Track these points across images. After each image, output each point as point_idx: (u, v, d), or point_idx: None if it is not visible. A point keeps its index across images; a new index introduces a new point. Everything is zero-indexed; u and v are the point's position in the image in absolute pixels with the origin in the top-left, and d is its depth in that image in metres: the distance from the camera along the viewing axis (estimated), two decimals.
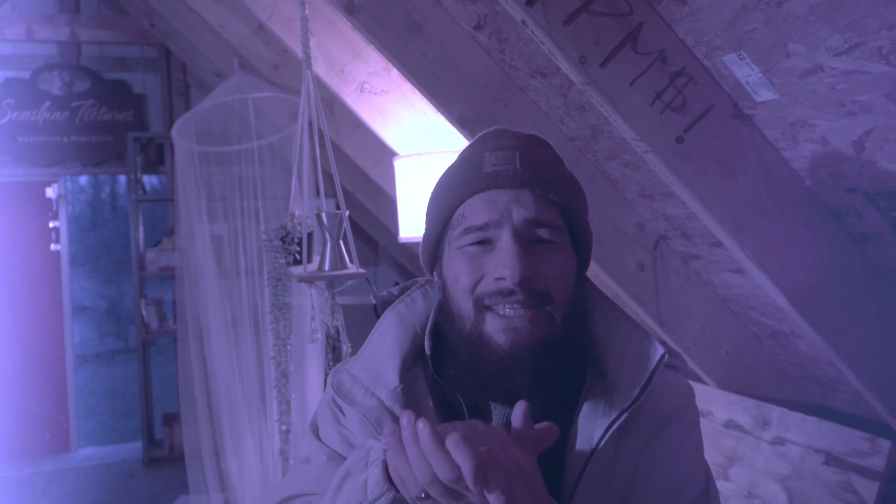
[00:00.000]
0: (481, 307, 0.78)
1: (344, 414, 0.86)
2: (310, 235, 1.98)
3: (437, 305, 0.87)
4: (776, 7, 0.93)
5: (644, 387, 0.78)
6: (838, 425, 1.51)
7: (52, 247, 4.90)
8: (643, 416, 0.80)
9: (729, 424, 1.79)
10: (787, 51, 0.98)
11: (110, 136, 4.82)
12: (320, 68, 2.37)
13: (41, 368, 4.86)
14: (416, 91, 1.94)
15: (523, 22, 1.16)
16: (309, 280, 1.88)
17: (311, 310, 1.98)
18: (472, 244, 0.79)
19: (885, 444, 1.40)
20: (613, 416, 0.77)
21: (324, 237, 1.89)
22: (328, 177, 2.12)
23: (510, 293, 0.76)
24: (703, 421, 1.87)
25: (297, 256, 1.96)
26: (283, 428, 2.63)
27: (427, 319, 0.86)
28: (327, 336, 1.98)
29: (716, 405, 1.85)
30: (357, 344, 2.12)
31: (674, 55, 1.15)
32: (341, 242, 1.90)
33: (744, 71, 1.08)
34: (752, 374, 1.82)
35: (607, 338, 0.83)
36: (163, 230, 4.95)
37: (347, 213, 1.92)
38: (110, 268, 5.21)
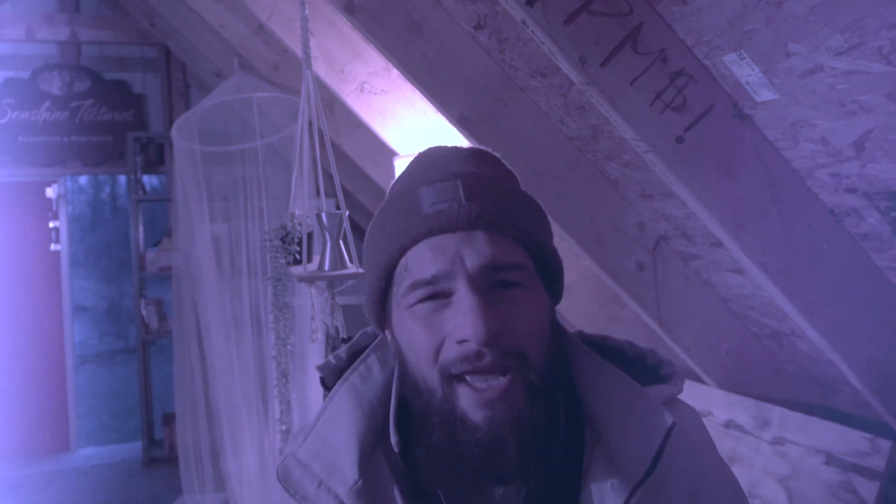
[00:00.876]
0: (449, 377, 0.64)
1: None
2: (310, 235, 1.98)
3: (396, 374, 0.71)
4: (776, 7, 0.93)
5: (654, 460, 0.66)
6: (838, 425, 1.51)
7: (52, 247, 4.91)
8: (664, 484, 0.68)
9: (729, 424, 1.79)
10: (788, 51, 0.98)
11: (110, 136, 4.82)
12: (320, 68, 2.37)
13: (41, 368, 4.86)
14: (416, 91, 1.94)
15: (523, 22, 1.16)
16: (309, 280, 1.88)
17: (311, 310, 1.98)
18: (421, 301, 0.65)
19: (885, 444, 1.40)
20: (626, 493, 0.65)
21: (324, 237, 1.89)
22: (328, 177, 2.12)
23: (478, 356, 0.62)
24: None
25: (297, 256, 1.96)
26: (283, 428, 2.63)
27: (385, 391, 0.72)
28: (327, 336, 1.98)
29: (716, 405, 1.85)
30: None
31: (674, 55, 1.15)
32: (341, 242, 1.90)
33: (744, 71, 1.08)
34: (752, 374, 1.82)
35: (602, 402, 0.70)
36: (163, 230, 4.95)
37: (347, 213, 1.92)
38: (110, 268, 5.21)
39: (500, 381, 0.63)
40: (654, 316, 1.81)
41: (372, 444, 0.70)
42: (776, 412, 1.67)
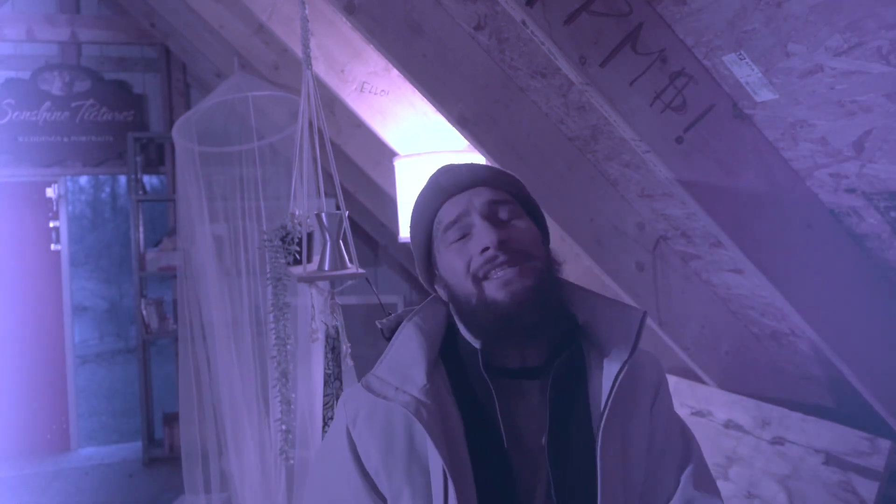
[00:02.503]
0: (478, 280, 0.92)
1: (357, 449, 0.94)
2: (310, 235, 1.97)
3: (449, 307, 1.00)
4: (776, 7, 0.93)
5: (634, 344, 0.94)
6: (838, 425, 1.51)
7: (52, 247, 4.90)
8: (640, 379, 0.98)
9: (729, 424, 1.79)
10: (787, 51, 0.98)
11: (110, 136, 4.82)
12: (320, 68, 2.37)
13: (41, 368, 4.86)
14: (416, 91, 1.94)
15: (523, 22, 1.16)
16: (309, 280, 1.88)
17: (311, 310, 1.98)
18: (455, 241, 0.95)
19: (885, 444, 1.40)
20: (613, 375, 0.92)
21: (324, 237, 1.89)
22: (328, 177, 2.12)
23: (495, 257, 0.91)
24: (703, 421, 1.87)
25: (297, 256, 1.96)
26: (284, 428, 2.63)
27: (439, 333, 0.99)
28: (327, 336, 1.98)
29: (716, 405, 1.85)
30: (357, 344, 2.13)
31: (674, 55, 1.16)
32: (341, 242, 1.90)
33: (744, 71, 1.08)
34: (752, 374, 1.82)
35: (593, 317, 0.98)
36: (163, 230, 4.95)
37: (347, 213, 1.92)
38: (110, 268, 5.21)
39: (514, 269, 0.90)
40: (653, 316, 1.81)
41: (434, 362, 0.95)
42: (776, 412, 1.67)
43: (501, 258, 0.91)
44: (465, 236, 0.95)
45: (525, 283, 0.90)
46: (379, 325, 1.04)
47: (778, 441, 1.63)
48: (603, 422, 0.90)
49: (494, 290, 0.91)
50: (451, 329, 1.00)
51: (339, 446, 0.96)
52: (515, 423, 0.92)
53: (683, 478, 0.96)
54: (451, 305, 1.00)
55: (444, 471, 0.86)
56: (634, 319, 0.96)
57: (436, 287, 1.03)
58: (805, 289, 1.27)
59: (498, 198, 0.97)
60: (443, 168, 1.04)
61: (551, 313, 0.94)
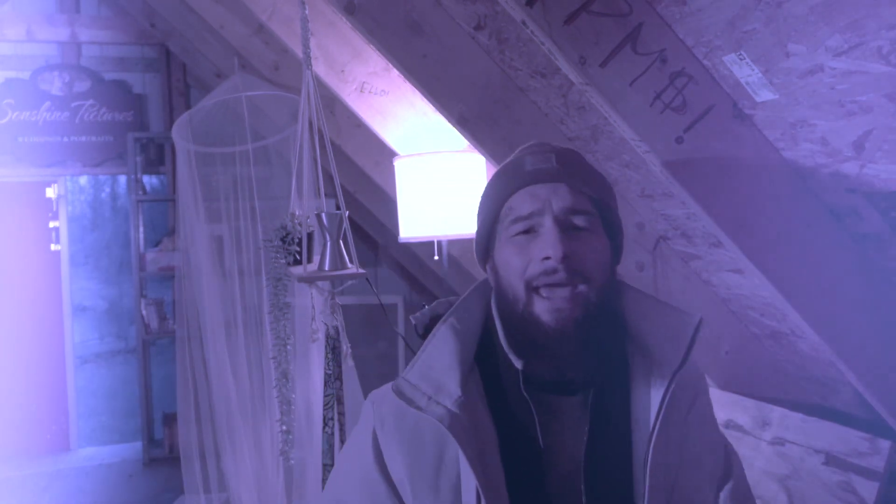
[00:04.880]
0: (530, 289, 0.87)
1: (383, 454, 0.91)
2: (310, 235, 1.97)
3: (492, 297, 0.95)
4: (776, 7, 0.93)
5: (686, 354, 0.89)
6: (838, 425, 1.51)
7: (52, 247, 4.90)
8: (682, 386, 0.90)
9: (729, 424, 1.79)
10: (787, 51, 0.98)
11: (110, 136, 4.81)
12: (320, 68, 2.37)
13: (41, 368, 4.86)
14: (416, 91, 1.94)
15: (523, 22, 1.16)
16: (309, 280, 1.88)
17: (311, 310, 1.98)
18: (519, 233, 0.90)
19: (885, 444, 1.40)
20: (664, 386, 0.87)
21: (324, 237, 1.89)
22: (328, 177, 2.12)
23: (554, 271, 0.86)
24: None
25: (297, 256, 1.95)
26: (284, 428, 2.62)
27: (475, 336, 0.93)
28: (327, 336, 1.97)
29: (716, 405, 1.85)
30: (357, 344, 2.13)
31: (674, 55, 1.16)
32: (341, 242, 1.90)
33: (744, 71, 1.08)
34: (752, 374, 1.82)
35: (643, 319, 0.93)
36: (163, 230, 4.95)
37: (347, 213, 1.92)
38: (110, 268, 5.20)
39: (566, 291, 0.86)
40: None
41: (469, 369, 0.90)
42: (776, 412, 1.67)
43: (560, 274, 0.86)
44: (529, 232, 0.89)
45: (574, 313, 0.86)
46: (413, 321, 0.99)
47: (778, 441, 1.63)
48: (653, 440, 0.85)
49: (543, 310, 0.86)
50: (487, 329, 0.95)
51: (364, 449, 0.92)
52: (552, 440, 0.88)
53: (723, 494, 0.90)
54: (494, 295, 0.95)
55: (476, 490, 0.82)
56: (688, 327, 0.91)
57: (486, 268, 0.98)
58: (805, 289, 1.26)
59: (578, 206, 0.89)
60: (534, 147, 0.96)
61: (595, 339, 0.88)
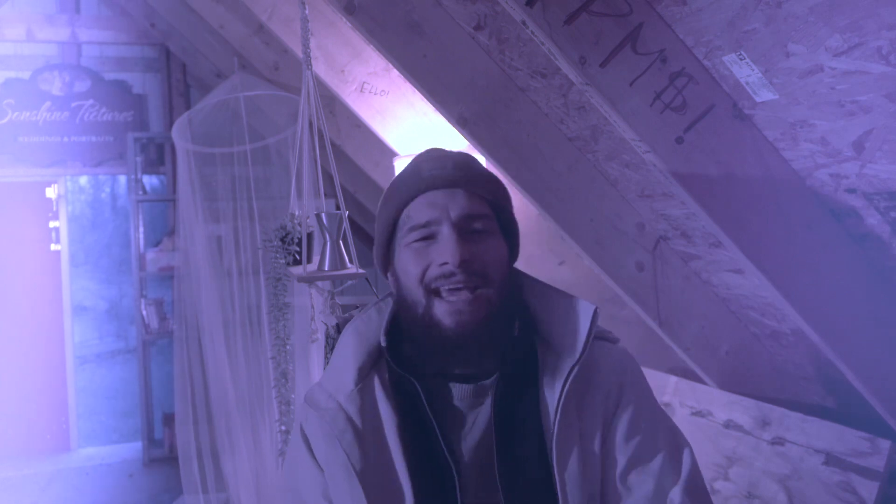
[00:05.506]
0: (430, 291, 0.89)
1: (311, 447, 0.94)
2: (310, 235, 1.97)
3: (393, 302, 0.97)
4: (776, 7, 0.93)
5: (586, 341, 0.89)
6: (838, 425, 1.51)
7: (52, 247, 4.90)
8: (597, 379, 0.92)
9: (729, 424, 1.79)
10: (787, 51, 0.98)
11: (110, 136, 4.81)
12: (320, 68, 2.37)
13: (41, 368, 4.86)
14: (416, 91, 1.94)
15: (523, 22, 1.16)
16: (309, 280, 1.88)
17: (311, 310, 1.98)
18: (417, 240, 0.91)
19: (885, 444, 1.40)
20: (565, 374, 0.88)
21: (324, 237, 1.89)
22: (328, 177, 2.12)
23: (452, 275, 0.87)
24: (703, 421, 1.87)
25: (297, 256, 1.96)
26: (283, 428, 2.62)
27: (379, 333, 0.97)
28: (327, 336, 1.97)
29: (716, 405, 1.85)
30: None
31: (674, 55, 1.16)
32: (341, 242, 1.90)
33: (744, 71, 1.08)
34: (752, 374, 1.82)
35: (545, 311, 0.95)
36: (163, 230, 4.95)
37: (347, 213, 1.92)
38: (110, 268, 5.19)
39: (466, 294, 0.88)
40: (653, 316, 1.81)
41: (369, 367, 0.94)
42: (776, 412, 1.67)
43: (458, 277, 0.87)
44: (427, 238, 0.90)
45: (475, 314, 0.87)
46: (334, 323, 1.04)
47: (778, 441, 1.63)
48: (555, 431, 0.86)
49: (443, 312, 0.88)
50: (397, 328, 0.96)
51: (298, 443, 0.96)
52: (462, 433, 0.90)
53: (677, 493, 0.86)
54: (395, 302, 0.97)
55: (356, 475, 0.87)
56: (584, 316, 0.91)
57: (388, 275, 0.99)
58: (805, 289, 1.26)
59: (475, 211, 0.91)
60: (430, 154, 0.98)
61: (497, 339, 0.90)
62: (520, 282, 0.99)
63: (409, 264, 0.91)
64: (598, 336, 0.95)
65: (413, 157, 1.01)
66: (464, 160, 0.96)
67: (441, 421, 0.89)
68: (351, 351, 0.95)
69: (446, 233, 0.89)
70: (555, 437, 0.86)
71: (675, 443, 0.91)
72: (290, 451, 1.01)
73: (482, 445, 0.89)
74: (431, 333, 0.89)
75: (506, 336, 0.92)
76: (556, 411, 0.87)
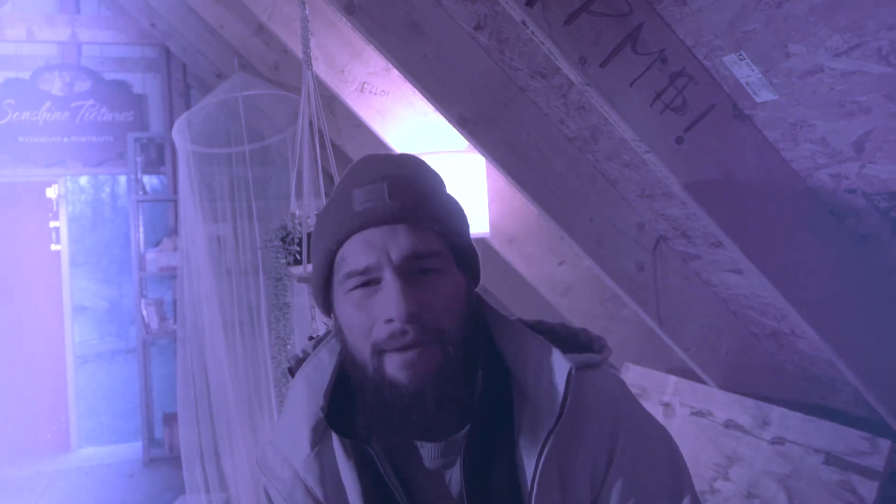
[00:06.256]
0: (378, 352, 0.76)
1: None
2: (310, 235, 1.97)
3: (339, 352, 0.84)
4: (776, 7, 0.93)
5: (563, 400, 0.77)
6: (838, 425, 1.51)
7: (52, 247, 4.90)
8: (584, 434, 0.79)
9: (729, 424, 1.79)
10: (787, 51, 0.98)
11: (110, 136, 4.81)
12: (320, 68, 2.37)
13: (41, 368, 4.86)
14: (416, 91, 1.94)
15: (523, 22, 1.16)
16: (309, 280, 1.88)
17: (311, 310, 1.98)
18: (357, 287, 0.77)
19: (885, 444, 1.40)
20: (543, 437, 0.77)
21: None
22: (328, 177, 2.12)
23: (402, 333, 0.74)
24: (702, 421, 1.88)
25: (297, 256, 1.96)
26: None
27: (329, 383, 0.83)
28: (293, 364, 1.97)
29: (716, 405, 1.85)
30: None
31: (674, 55, 1.16)
32: None
33: (744, 71, 1.08)
34: (752, 374, 1.82)
35: (516, 356, 0.82)
36: (163, 230, 4.95)
37: None
38: (110, 268, 5.19)
39: (417, 351, 0.74)
40: (653, 316, 1.81)
41: (324, 426, 0.81)
42: (776, 412, 1.67)
43: (409, 336, 0.73)
44: (369, 283, 0.76)
45: (431, 366, 0.74)
46: (288, 365, 0.92)
47: (778, 441, 1.64)
48: (533, 501, 0.76)
49: (395, 368, 0.74)
50: (344, 383, 0.83)
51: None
52: (428, 494, 0.81)
53: None
54: (342, 353, 0.83)
55: None
56: (560, 372, 0.78)
57: (331, 317, 0.85)
58: (805, 289, 1.27)
59: (421, 249, 0.76)
60: (362, 172, 0.81)
61: (460, 392, 0.77)
62: (487, 318, 0.86)
63: (351, 317, 0.77)
64: (580, 365, 0.80)
65: (350, 167, 0.86)
66: (402, 183, 0.79)
67: (412, 486, 0.80)
68: (303, 407, 0.83)
69: (388, 280, 0.74)
70: (535, 496, 0.76)
71: (681, 467, 0.83)
72: None
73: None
74: (385, 393, 0.75)
75: (471, 386, 0.79)
76: (534, 479, 0.76)
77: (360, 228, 0.77)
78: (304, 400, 0.84)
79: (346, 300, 0.78)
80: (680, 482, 0.82)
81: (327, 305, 0.84)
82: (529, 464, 0.77)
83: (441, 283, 0.77)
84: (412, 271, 0.76)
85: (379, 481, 0.79)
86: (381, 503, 0.79)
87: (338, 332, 0.82)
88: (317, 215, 0.86)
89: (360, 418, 0.79)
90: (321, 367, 0.85)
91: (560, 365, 0.79)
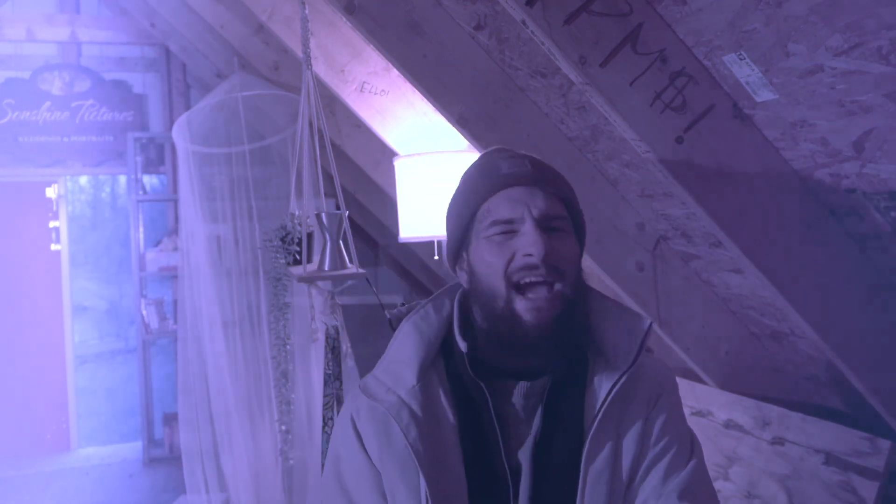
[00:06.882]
0: (511, 285, 0.91)
1: (364, 443, 0.96)
2: (310, 235, 1.98)
3: (462, 298, 1.00)
4: (776, 7, 0.93)
5: (637, 353, 0.93)
6: (838, 425, 1.51)
7: (52, 247, 4.90)
8: (641, 389, 0.96)
9: (729, 424, 1.79)
10: (787, 51, 0.98)
11: (110, 136, 4.81)
12: (320, 68, 2.37)
13: (41, 368, 4.86)
14: (416, 91, 1.94)
15: (523, 22, 1.16)
16: (309, 280, 1.88)
17: (311, 310, 1.98)
18: (498, 234, 0.93)
19: (885, 444, 1.40)
20: (614, 380, 0.93)
21: (324, 237, 1.89)
22: (328, 177, 2.12)
23: (535, 267, 0.90)
24: (703, 421, 1.87)
25: (297, 256, 1.96)
26: (283, 428, 2.63)
27: (439, 332, 0.99)
28: (327, 336, 1.97)
29: (716, 405, 1.85)
30: (357, 344, 2.13)
31: (674, 55, 1.16)
32: (341, 242, 1.90)
33: (744, 71, 1.08)
34: (752, 374, 1.82)
35: (603, 323, 0.98)
36: (163, 230, 4.95)
37: (347, 213, 1.92)
38: (110, 268, 5.19)
39: (545, 291, 0.90)
40: (653, 316, 1.81)
41: (428, 364, 0.96)
42: (776, 412, 1.67)
43: (541, 270, 0.90)
44: (507, 232, 0.93)
45: (554, 311, 0.90)
46: (388, 316, 1.04)
47: (778, 441, 1.63)
48: (591, 433, 0.91)
49: (524, 308, 0.90)
50: (467, 328, 0.99)
51: (348, 438, 0.97)
52: (509, 428, 0.94)
53: (671, 484, 0.92)
54: (471, 295, 0.98)
55: (418, 470, 0.89)
56: (639, 328, 0.96)
57: (457, 270, 1.02)
58: (805, 289, 1.27)
59: (553, 211, 0.94)
60: (502, 152, 1.00)
61: (566, 336, 0.93)
62: (587, 291, 1.02)
63: (491, 256, 0.93)
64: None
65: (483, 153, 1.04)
66: (538, 160, 0.99)
67: (501, 424, 0.93)
68: (413, 347, 0.97)
69: (530, 228, 0.92)
70: (588, 442, 0.91)
71: (690, 447, 0.97)
72: (332, 450, 1.02)
73: (528, 445, 0.93)
74: (510, 328, 0.91)
75: (574, 334, 0.95)
76: (597, 415, 0.91)
77: (506, 186, 0.94)
78: (412, 341, 0.97)
79: (486, 243, 0.94)
80: (693, 448, 0.98)
81: (456, 257, 1.01)
82: (593, 402, 0.93)
83: (565, 240, 0.95)
84: (546, 228, 0.93)
85: (473, 419, 0.94)
86: (473, 434, 0.93)
87: (469, 275, 0.97)
88: (460, 180, 1.02)
89: (482, 354, 0.95)
90: (428, 319, 0.99)
91: (638, 320, 0.97)
